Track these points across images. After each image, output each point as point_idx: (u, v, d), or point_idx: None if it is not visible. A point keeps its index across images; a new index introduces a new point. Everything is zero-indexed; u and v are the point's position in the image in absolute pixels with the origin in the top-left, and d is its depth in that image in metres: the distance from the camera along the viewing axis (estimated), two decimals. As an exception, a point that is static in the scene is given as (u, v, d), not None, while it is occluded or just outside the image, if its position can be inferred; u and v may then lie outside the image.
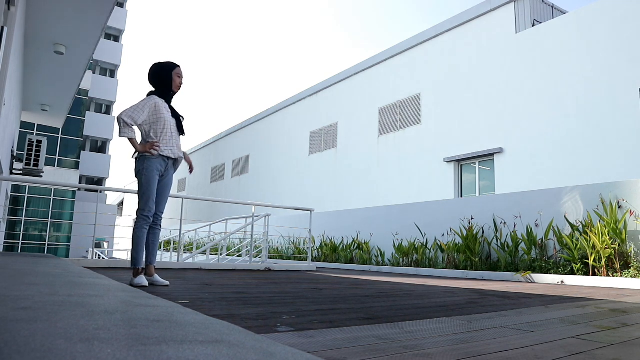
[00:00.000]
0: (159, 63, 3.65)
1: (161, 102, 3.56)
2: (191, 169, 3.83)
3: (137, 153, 3.51)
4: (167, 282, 3.56)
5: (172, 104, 3.77)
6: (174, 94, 3.69)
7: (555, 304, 3.10)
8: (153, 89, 3.68)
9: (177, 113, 3.70)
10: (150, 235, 3.56)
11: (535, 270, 6.09)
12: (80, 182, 26.34)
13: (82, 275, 2.90)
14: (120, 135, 3.39)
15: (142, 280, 3.39)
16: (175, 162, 3.65)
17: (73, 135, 25.71)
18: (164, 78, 3.62)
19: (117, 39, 30.02)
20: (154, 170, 3.46)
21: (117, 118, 3.39)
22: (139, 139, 3.57)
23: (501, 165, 12.06)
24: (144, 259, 3.54)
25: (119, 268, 5.54)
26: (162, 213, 3.63)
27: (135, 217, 3.48)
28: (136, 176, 3.52)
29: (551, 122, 11.02)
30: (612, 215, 5.56)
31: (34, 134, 16.76)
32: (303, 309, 2.46)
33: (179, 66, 3.69)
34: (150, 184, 3.45)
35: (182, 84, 3.67)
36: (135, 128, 3.54)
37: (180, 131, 3.65)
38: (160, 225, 3.63)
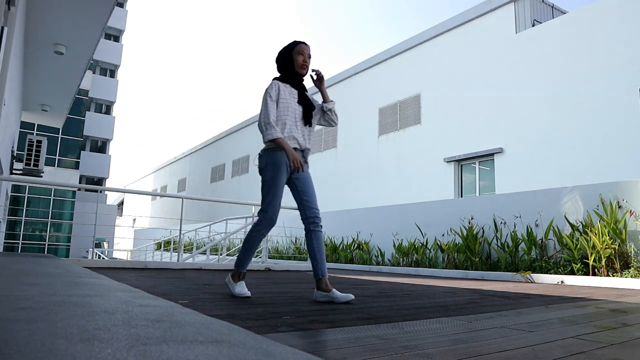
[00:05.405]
0: (281, 49, 3.18)
1: (284, 86, 3.08)
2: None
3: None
4: (352, 296, 2.83)
5: (305, 90, 3.23)
6: (301, 75, 3.15)
7: (555, 304, 3.10)
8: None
9: (308, 99, 3.16)
10: (314, 240, 2.97)
11: (535, 270, 6.09)
12: (80, 182, 26.36)
13: (82, 275, 2.90)
14: (265, 140, 2.94)
15: (244, 289, 2.94)
16: (304, 154, 3.11)
17: (73, 135, 25.70)
18: (284, 62, 3.14)
19: (117, 39, 30.04)
20: (282, 165, 2.94)
21: (257, 126, 3.02)
22: None
23: (501, 165, 12.06)
24: (318, 269, 2.93)
25: (119, 268, 5.54)
26: (317, 209, 3.04)
27: (257, 217, 3.01)
28: (260, 173, 3.04)
29: (551, 122, 11.02)
30: (612, 215, 5.56)
31: (34, 134, 16.76)
32: (303, 309, 2.46)
33: (301, 43, 3.14)
34: (275, 181, 2.94)
35: (306, 61, 3.11)
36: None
37: (306, 121, 3.10)
38: (321, 226, 3.03)
